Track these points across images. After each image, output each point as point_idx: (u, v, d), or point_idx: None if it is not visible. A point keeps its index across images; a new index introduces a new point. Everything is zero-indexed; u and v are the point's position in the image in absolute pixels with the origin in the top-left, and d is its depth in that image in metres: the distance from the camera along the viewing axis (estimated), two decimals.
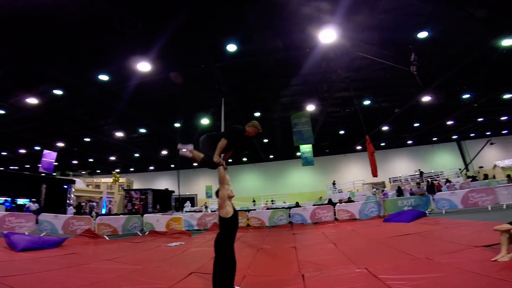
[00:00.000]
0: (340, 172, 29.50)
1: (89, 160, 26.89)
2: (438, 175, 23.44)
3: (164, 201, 22.39)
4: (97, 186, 26.29)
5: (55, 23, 8.13)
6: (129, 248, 7.15)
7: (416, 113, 18.19)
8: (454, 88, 14.81)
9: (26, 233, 8.02)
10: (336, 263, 4.31)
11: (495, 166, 22.85)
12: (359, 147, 26.34)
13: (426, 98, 14.96)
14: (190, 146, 3.84)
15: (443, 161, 27.78)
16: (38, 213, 10.15)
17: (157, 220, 10.25)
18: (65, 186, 17.66)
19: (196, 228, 10.71)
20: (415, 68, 8.54)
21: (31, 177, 18.18)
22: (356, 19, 8.76)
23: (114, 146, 22.29)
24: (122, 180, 27.23)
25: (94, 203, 17.99)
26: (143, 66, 10.15)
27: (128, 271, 4.56)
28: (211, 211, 13.97)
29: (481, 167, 25.93)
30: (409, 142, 27.88)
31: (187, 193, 30.35)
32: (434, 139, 27.63)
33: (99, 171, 32.70)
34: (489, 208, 8.74)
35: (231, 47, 9.81)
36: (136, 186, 30.02)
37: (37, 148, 20.93)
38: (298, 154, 19.15)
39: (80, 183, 23.37)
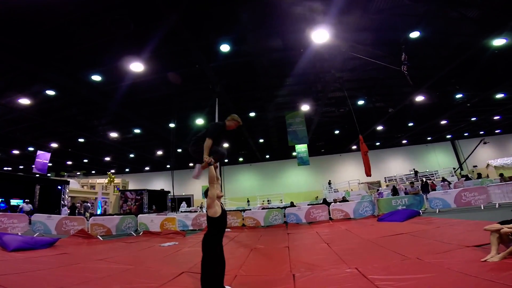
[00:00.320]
0: (336, 172, 29.63)
1: (84, 160, 26.64)
2: (432, 174, 23.65)
3: (160, 202, 22.27)
4: (92, 186, 26.10)
5: (47, 24, 8.05)
6: (122, 248, 7.11)
7: (410, 113, 18.35)
8: (447, 88, 14.97)
9: (19, 234, 7.94)
10: (327, 263, 4.32)
11: (488, 165, 23.12)
12: (354, 147, 26.48)
13: (419, 98, 15.09)
14: (198, 168, 3.82)
15: (438, 160, 28.06)
16: (31, 214, 10.05)
17: (151, 221, 10.20)
18: (59, 187, 17.48)
19: (191, 228, 10.68)
20: (406, 68, 8.59)
21: (25, 178, 18.00)
22: (348, 19, 8.81)
23: (109, 147, 22.13)
24: (117, 180, 27.07)
25: (88, 204, 17.85)
26: (136, 67, 10.10)
27: (119, 270, 4.55)
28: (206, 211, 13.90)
29: (475, 166, 26.25)
30: (404, 141, 28.12)
31: (183, 194, 30.25)
32: (429, 138, 27.89)
33: (94, 172, 32.44)
34: (482, 207, 8.84)
35: (224, 47, 9.80)
36: (131, 186, 29.86)
37: (31, 149, 20.69)
38: (294, 154, 19.19)
39: (74, 184, 23.18)
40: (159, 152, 24.83)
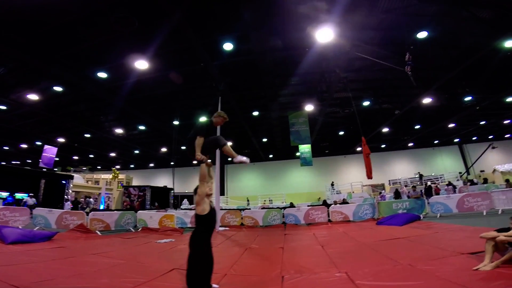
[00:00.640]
0: (340, 173, 29.37)
1: (89, 156, 27.10)
2: (437, 178, 23.22)
3: (162, 199, 22.46)
4: (97, 182, 26.49)
5: (54, 22, 8.23)
6: (118, 244, 7.20)
7: (417, 115, 18.03)
8: (456, 90, 14.64)
9: (20, 227, 8.11)
10: (318, 266, 4.28)
11: (494, 170, 22.59)
12: (359, 149, 26.16)
13: (427, 100, 14.79)
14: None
15: (444, 164, 27.53)
16: (34, 208, 10.24)
17: (150, 217, 10.30)
18: (64, 182, 17.80)
19: (189, 225, 10.70)
20: (409, 68, 8.41)
21: (31, 172, 18.38)
22: (354, 18, 8.68)
23: (114, 143, 22.45)
24: (121, 176, 27.40)
25: (91, 199, 18.12)
26: (141, 64, 10.19)
27: (111, 265, 4.62)
28: None
29: (482, 171, 25.65)
30: (410, 144, 27.66)
31: (186, 191, 30.41)
32: (436, 142, 27.37)
33: (99, 167, 32.95)
34: (484, 213, 8.63)
35: (228, 46, 9.81)
36: (135, 182, 30.20)
37: (39, 143, 21.16)
38: (298, 154, 19.09)
39: (79, 179, 23.56)
40: (164, 149, 25.05)
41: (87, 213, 9.59)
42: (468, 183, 18.82)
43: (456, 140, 27.05)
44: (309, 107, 14.79)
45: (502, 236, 3.48)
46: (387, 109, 16.62)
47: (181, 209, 18.06)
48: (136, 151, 26.06)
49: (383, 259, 4.40)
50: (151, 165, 33.48)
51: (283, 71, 12.09)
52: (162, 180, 31.85)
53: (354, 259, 4.62)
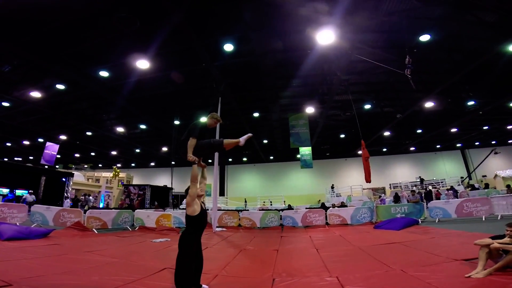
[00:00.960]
0: (340, 176, 29.25)
1: (91, 154, 27.26)
2: (439, 183, 23.04)
3: (162, 198, 22.50)
4: (97, 180, 26.59)
5: (57, 20, 8.31)
6: (114, 242, 7.20)
7: (419, 119, 17.92)
8: (458, 95, 14.52)
9: (18, 224, 8.15)
10: (310, 270, 4.24)
11: (496, 175, 22.38)
12: (360, 152, 25.97)
13: (429, 104, 14.69)
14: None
15: (446, 169, 27.33)
16: (34, 205, 10.27)
17: (148, 216, 10.31)
18: (64, 179, 17.90)
19: None
20: (409, 71, 8.35)
21: (31, 169, 18.49)
22: (356, 21, 8.64)
23: (116, 141, 22.58)
24: (122, 175, 27.49)
25: (91, 197, 18.19)
26: (142, 64, 10.25)
27: (103, 263, 4.63)
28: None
29: (484, 176, 25.43)
30: (412, 148, 27.51)
31: None
32: (438, 146, 27.19)
33: (101, 165, 33.12)
34: (483, 219, 8.54)
35: (229, 47, 9.82)
36: (136, 181, 30.28)
37: (41, 140, 21.33)
38: (299, 156, 19.05)
39: (79, 177, 23.67)
40: (164, 148, 25.13)
41: (85, 211, 9.60)
42: (468, 188, 18.65)
43: (458, 145, 26.86)
44: (310, 110, 14.76)
45: (496, 244, 3.43)
46: (389, 113, 16.55)
47: (180, 208, 18.06)
48: (137, 150, 26.17)
49: (376, 264, 4.36)
50: (152, 164, 33.59)
51: (284, 73, 12.09)
52: (163, 179, 31.90)
53: (347, 263, 4.58)
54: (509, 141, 25.66)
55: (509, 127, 20.89)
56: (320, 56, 10.24)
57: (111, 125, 19.02)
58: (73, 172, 20.66)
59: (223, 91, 12.14)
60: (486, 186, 19.80)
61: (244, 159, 30.71)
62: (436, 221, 9.08)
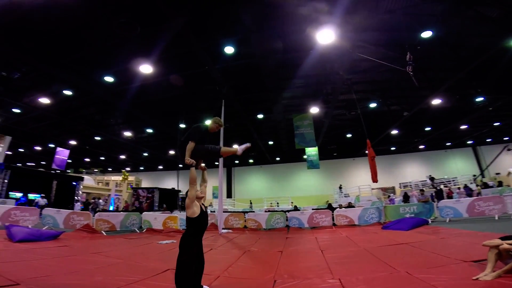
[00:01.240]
0: (348, 176, 28.85)
1: (100, 158, 27.78)
2: (450, 181, 22.45)
3: (170, 200, 22.71)
4: (107, 183, 27.06)
5: (60, 27, 8.52)
6: (121, 244, 7.31)
7: (427, 116, 17.55)
8: (466, 91, 14.19)
9: (29, 226, 8.37)
10: (313, 272, 4.19)
11: (509, 173, 21.66)
12: (367, 151, 25.68)
13: (436, 101, 14.39)
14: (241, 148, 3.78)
15: (457, 167, 26.60)
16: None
17: (155, 218, 10.43)
18: (74, 183, 18.31)
19: None
20: (411, 69, 8.19)
21: (44, 174, 19.00)
22: (357, 19, 8.56)
23: (124, 145, 22.95)
24: (131, 178, 27.90)
25: (101, 201, 18.54)
26: (145, 68, 10.39)
27: (108, 264, 4.74)
28: (210, 211, 14.03)
29: (497, 173, 24.64)
30: (421, 146, 26.93)
31: None
32: (448, 144, 26.53)
33: (110, 169, 33.70)
34: (496, 218, 8.27)
35: (230, 49, 9.86)
36: (144, 184, 30.66)
37: (52, 145, 21.87)
38: (305, 157, 18.93)
39: (89, 180, 24.14)
40: (171, 152, 25.37)
41: (94, 214, 9.78)
42: (479, 186, 18.11)
43: (469, 142, 26.14)
44: (314, 110, 14.64)
45: (506, 244, 3.29)
46: (395, 111, 16.27)
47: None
48: (145, 154, 26.52)
49: (381, 265, 4.27)
50: (160, 167, 33.96)
51: (286, 74, 12.03)
52: (171, 182, 32.17)
53: (351, 265, 4.50)
54: None
55: None
56: (321, 56, 10.16)
57: (119, 130, 19.35)
58: (83, 176, 21.10)
59: (226, 94, 12.19)
60: (500, 184, 19.19)
61: (251, 160, 30.70)
62: (447, 221, 8.84)
